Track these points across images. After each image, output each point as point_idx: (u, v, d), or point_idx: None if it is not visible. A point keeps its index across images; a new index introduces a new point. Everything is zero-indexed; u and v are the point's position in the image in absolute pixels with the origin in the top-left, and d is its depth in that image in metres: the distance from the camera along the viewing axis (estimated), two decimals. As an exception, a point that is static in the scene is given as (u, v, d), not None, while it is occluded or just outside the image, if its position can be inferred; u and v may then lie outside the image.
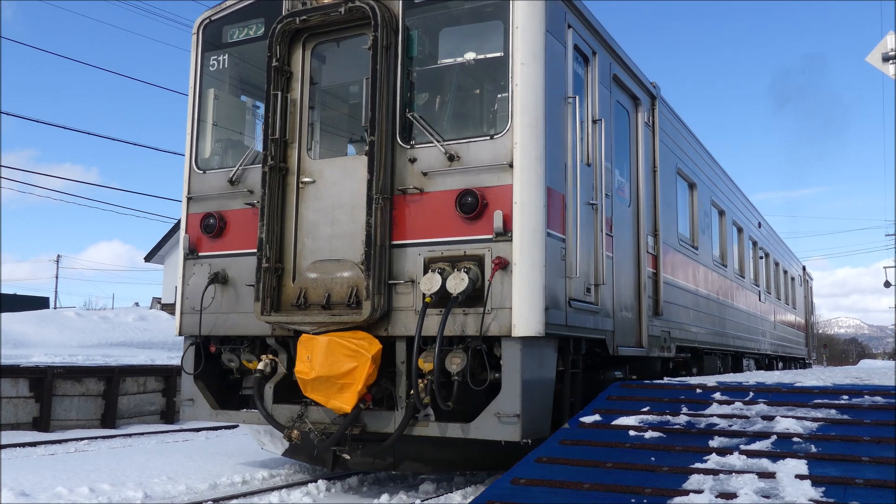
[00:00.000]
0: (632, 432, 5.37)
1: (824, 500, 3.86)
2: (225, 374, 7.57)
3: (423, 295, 6.12)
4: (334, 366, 6.18)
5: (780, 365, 20.21)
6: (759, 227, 17.13)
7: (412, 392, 6.12)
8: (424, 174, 6.47)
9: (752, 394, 6.17)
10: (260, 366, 6.94)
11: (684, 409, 5.84)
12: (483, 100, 7.18)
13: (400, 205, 6.55)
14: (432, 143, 6.46)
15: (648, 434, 5.30)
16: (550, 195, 6.33)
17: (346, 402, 6.23)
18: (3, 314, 20.22)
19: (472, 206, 6.18)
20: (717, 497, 3.99)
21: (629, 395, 6.47)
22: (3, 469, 8.31)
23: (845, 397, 5.88)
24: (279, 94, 6.95)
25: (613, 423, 5.61)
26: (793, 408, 5.69)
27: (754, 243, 16.32)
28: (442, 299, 6.11)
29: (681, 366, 10.74)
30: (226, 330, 7.24)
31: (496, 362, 6.15)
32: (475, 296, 6.07)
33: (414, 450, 7.04)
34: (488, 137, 6.35)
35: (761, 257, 16.97)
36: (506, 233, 6.05)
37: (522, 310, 5.96)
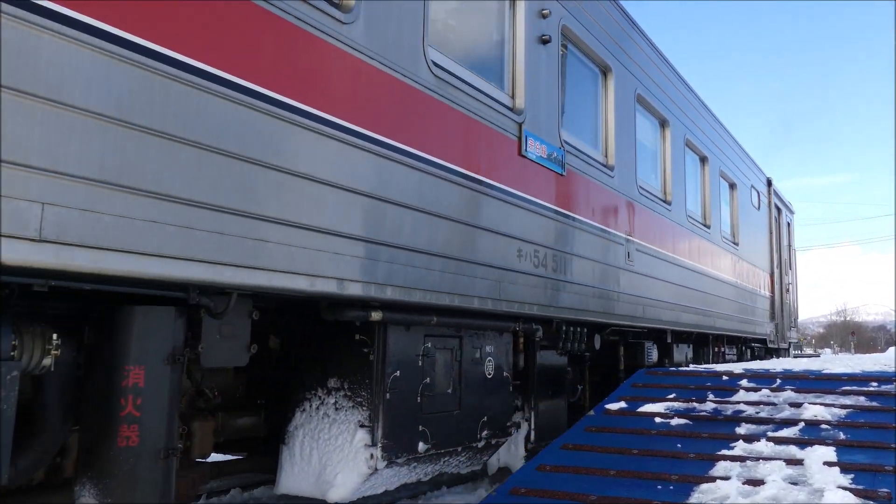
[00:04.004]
0: (658, 419, 5.37)
1: (853, 486, 3.83)
2: None
3: None
4: None
5: (689, 352, 10.35)
6: None
7: None
8: None
9: (779, 381, 6.13)
10: None
11: (710, 396, 5.83)
12: None
13: None
14: None
15: (675, 421, 5.30)
16: None
17: None
18: None
19: None
20: (744, 484, 3.98)
21: (655, 382, 6.46)
22: None
23: (874, 384, 5.83)
24: None
25: (639, 410, 5.61)
26: (821, 395, 5.66)
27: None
28: None
29: None
30: None
31: None
32: None
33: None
34: None
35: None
36: None
37: None
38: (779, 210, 16.11)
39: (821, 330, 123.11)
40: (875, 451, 4.37)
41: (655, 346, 9.01)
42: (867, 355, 19.13)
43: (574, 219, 6.58)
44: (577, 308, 6.51)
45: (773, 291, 15.09)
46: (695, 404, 5.67)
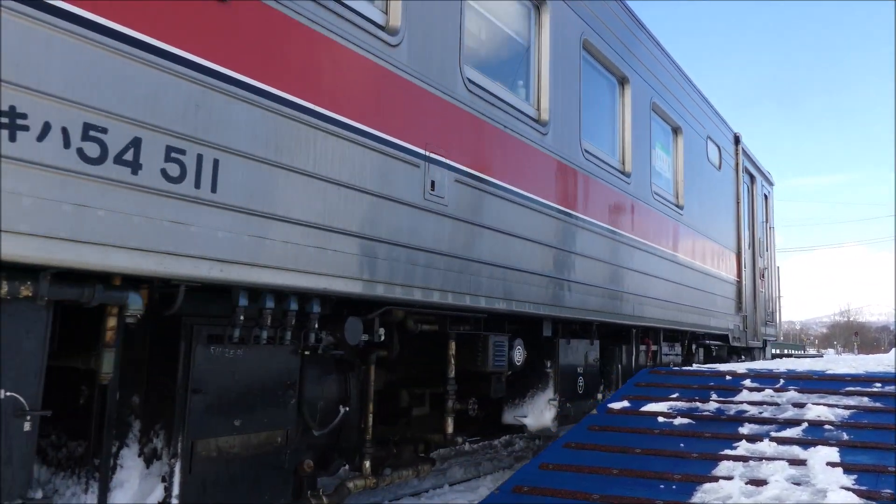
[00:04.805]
0: (661, 418, 5.37)
1: (856, 487, 3.84)
2: None
3: None
4: None
5: (594, 352, 7.15)
6: None
7: None
8: None
9: (782, 381, 6.13)
10: None
11: (714, 396, 5.83)
12: None
13: None
14: None
15: (677, 420, 5.30)
16: None
17: None
18: None
19: None
20: (747, 483, 3.98)
21: (658, 381, 6.46)
22: None
23: (878, 385, 5.83)
24: None
25: (642, 409, 5.62)
26: (824, 395, 5.66)
27: None
28: None
29: None
30: None
31: None
32: None
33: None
34: None
35: None
36: None
37: None
38: (751, 177, 12.70)
39: (824, 330, 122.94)
40: (878, 452, 4.37)
41: (521, 341, 5.86)
42: (870, 356, 18.65)
43: (259, 93, 3.45)
44: (256, 264, 3.40)
45: (740, 276, 11.64)
46: (698, 404, 5.67)
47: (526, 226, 5.65)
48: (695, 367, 7.90)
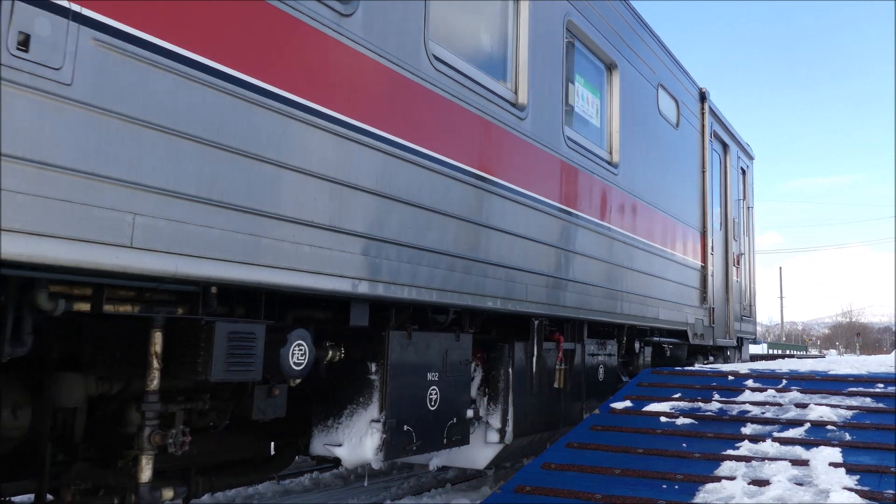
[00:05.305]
0: (663, 418, 5.37)
1: (859, 488, 3.84)
2: None
3: None
4: None
5: (463, 350, 4.97)
6: None
7: None
8: None
9: (785, 381, 6.14)
10: None
11: (716, 396, 5.83)
12: None
13: None
14: None
15: (680, 420, 5.30)
16: None
17: None
18: None
19: None
20: (749, 484, 3.98)
21: (660, 381, 6.46)
22: None
23: (881, 385, 5.83)
24: None
25: (644, 409, 5.62)
26: (827, 395, 5.66)
27: None
28: None
29: None
30: None
31: None
32: None
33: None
34: None
35: None
36: None
37: None
38: (724, 145, 10.76)
39: (826, 331, 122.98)
40: (881, 453, 4.37)
41: (306, 333, 3.71)
42: (872, 357, 18.47)
43: None
44: None
45: (706, 260, 9.65)
46: (700, 404, 5.67)
47: (305, 154, 3.54)
48: (697, 367, 7.89)
